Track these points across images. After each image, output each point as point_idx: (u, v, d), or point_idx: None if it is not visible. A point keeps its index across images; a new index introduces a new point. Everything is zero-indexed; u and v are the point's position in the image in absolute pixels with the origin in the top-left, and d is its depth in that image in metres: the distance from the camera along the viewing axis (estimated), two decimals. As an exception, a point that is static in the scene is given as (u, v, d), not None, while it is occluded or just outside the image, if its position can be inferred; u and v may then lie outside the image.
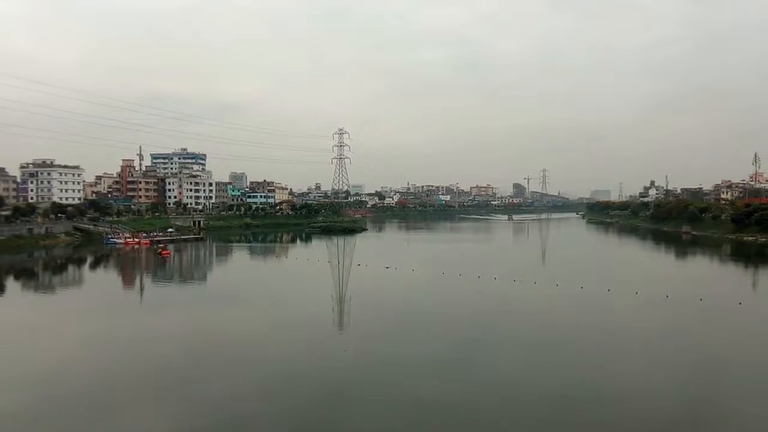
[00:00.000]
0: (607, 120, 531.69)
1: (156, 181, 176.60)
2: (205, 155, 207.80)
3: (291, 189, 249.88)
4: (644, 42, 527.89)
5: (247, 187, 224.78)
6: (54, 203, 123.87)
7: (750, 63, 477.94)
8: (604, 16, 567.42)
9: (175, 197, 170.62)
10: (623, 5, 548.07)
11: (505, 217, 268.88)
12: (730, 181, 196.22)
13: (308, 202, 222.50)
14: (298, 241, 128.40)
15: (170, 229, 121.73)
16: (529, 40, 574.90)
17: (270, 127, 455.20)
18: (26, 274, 72.07)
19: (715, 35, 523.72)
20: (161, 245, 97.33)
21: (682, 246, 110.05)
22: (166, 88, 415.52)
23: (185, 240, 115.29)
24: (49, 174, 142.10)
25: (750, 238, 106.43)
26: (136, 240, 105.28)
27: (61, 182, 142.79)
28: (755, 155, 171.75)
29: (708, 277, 68.69)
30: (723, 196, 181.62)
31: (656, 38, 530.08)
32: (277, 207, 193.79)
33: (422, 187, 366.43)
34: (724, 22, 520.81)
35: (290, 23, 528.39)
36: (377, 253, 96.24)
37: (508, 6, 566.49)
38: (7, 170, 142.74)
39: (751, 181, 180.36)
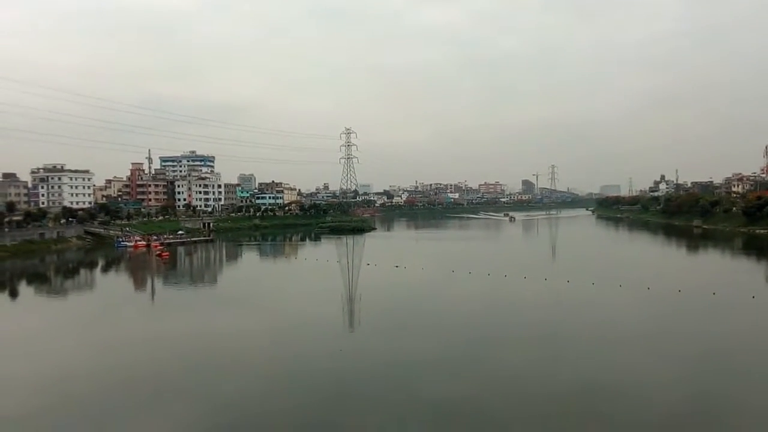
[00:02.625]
0: (615, 114, 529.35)
1: (165, 184, 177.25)
2: (213, 157, 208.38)
3: (299, 189, 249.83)
4: (648, 35, 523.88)
5: (255, 189, 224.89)
6: (65, 208, 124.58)
7: (756, 54, 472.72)
8: (606, 10, 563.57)
9: (184, 200, 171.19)
10: (622, 0, 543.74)
11: (503, 215, 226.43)
12: (740, 173, 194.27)
13: (317, 202, 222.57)
14: (307, 241, 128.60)
15: (180, 232, 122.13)
16: (531, 37, 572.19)
17: (274, 127, 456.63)
18: (37, 279, 72.56)
19: (716, 28, 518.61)
20: (160, 248, 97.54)
21: (693, 240, 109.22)
22: (169, 92, 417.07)
23: (195, 242, 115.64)
24: (59, 179, 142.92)
25: (762, 231, 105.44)
26: (146, 243, 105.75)
27: (71, 187, 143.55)
28: (766, 148, 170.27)
29: (721, 270, 68.11)
30: (734, 189, 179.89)
31: (659, 32, 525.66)
32: (286, 207, 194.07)
33: (431, 185, 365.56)
34: (725, 15, 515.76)
35: (290, 25, 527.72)
36: (386, 252, 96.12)
37: (507, 3, 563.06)
38: (18, 176, 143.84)
39: (762, 173, 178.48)
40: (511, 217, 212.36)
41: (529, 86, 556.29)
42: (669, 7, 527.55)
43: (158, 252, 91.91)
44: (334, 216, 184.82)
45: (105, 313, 49.19)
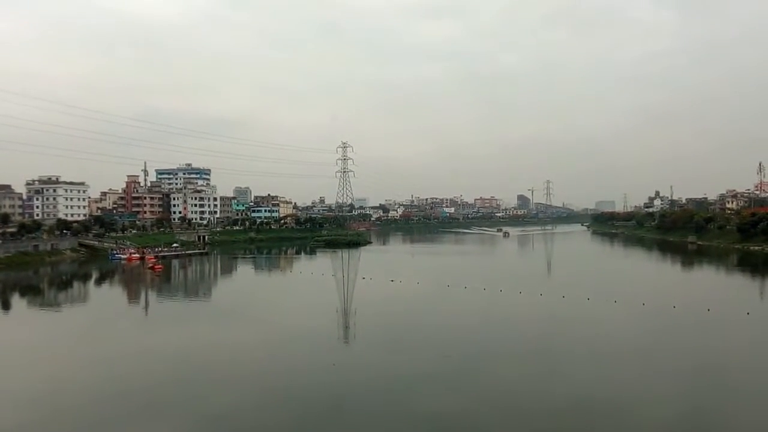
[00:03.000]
0: (612, 130, 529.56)
1: (161, 196, 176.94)
2: (209, 170, 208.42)
3: (295, 203, 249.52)
4: (646, 52, 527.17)
5: (251, 202, 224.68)
6: (59, 220, 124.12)
7: (752, 71, 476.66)
8: (605, 28, 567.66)
9: (180, 212, 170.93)
10: (619, 18, 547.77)
11: (496, 230, 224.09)
12: (735, 190, 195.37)
13: (312, 215, 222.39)
14: (302, 254, 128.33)
15: (175, 245, 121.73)
16: (531, 53, 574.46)
17: (270, 140, 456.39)
18: (31, 291, 72.14)
19: (713, 45, 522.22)
20: (154, 260, 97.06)
21: (688, 256, 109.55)
22: (167, 105, 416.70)
23: (190, 255, 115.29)
24: (54, 191, 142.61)
25: (756, 248, 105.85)
26: (140, 255, 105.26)
27: (66, 199, 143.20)
28: (759, 164, 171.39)
29: (715, 287, 68.27)
30: (728, 205, 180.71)
31: (657, 49, 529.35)
32: (282, 221, 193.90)
33: (426, 199, 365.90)
34: (721, 33, 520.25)
35: (288, 38, 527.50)
36: (382, 266, 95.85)
37: (507, 20, 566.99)
38: (12, 187, 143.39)
39: (756, 190, 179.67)
40: (505, 232, 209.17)
41: (528, 102, 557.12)
42: (666, 24, 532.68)
43: (151, 265, 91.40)
44: (329, 230, 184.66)
45: (98, 325, 48.86)
